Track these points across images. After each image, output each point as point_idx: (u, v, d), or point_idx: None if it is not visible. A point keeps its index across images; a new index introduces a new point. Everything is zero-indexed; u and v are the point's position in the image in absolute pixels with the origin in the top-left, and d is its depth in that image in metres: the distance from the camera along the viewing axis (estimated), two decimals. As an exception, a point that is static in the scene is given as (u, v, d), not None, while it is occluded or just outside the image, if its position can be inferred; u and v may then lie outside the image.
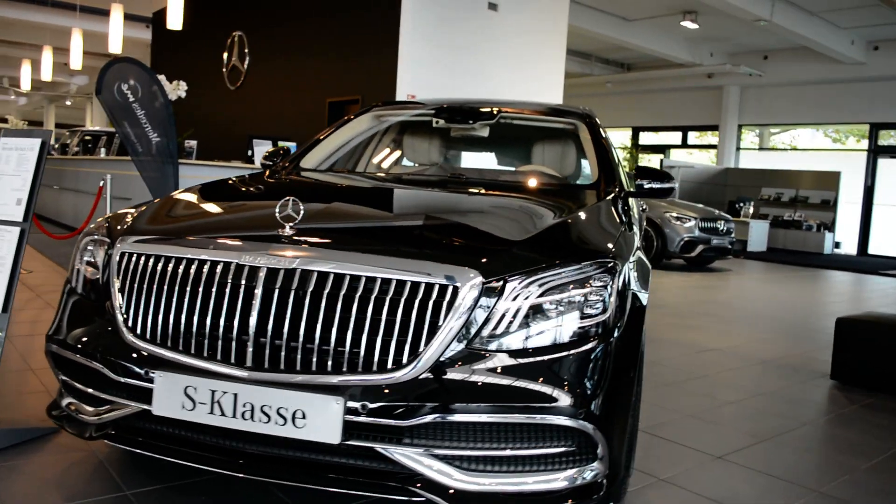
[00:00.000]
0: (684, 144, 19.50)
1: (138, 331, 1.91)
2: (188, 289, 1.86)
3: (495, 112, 3.60)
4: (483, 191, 2.71)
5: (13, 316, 4.10)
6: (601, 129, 3.45)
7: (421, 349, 1.71)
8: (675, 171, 15.68)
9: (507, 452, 1.75)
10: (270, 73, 11.76)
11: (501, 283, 1.78)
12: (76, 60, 11.03)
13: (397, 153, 3.73)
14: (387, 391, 1.70)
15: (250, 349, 1.77)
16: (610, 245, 2.05)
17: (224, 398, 1.75)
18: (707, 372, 4.19)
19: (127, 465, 2.34)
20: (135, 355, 1.89)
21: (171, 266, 1.91)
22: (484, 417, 1.70)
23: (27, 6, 15.38)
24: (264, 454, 1.81)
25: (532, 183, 3.10)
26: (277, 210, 1.92)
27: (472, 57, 9.43)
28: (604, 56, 18.51)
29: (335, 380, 1.71)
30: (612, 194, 2.89)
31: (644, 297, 2.16)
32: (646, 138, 20.27)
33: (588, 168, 3.34)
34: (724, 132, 17.68)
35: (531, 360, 1.76)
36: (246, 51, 12.52)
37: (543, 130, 3.79)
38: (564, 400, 1.74)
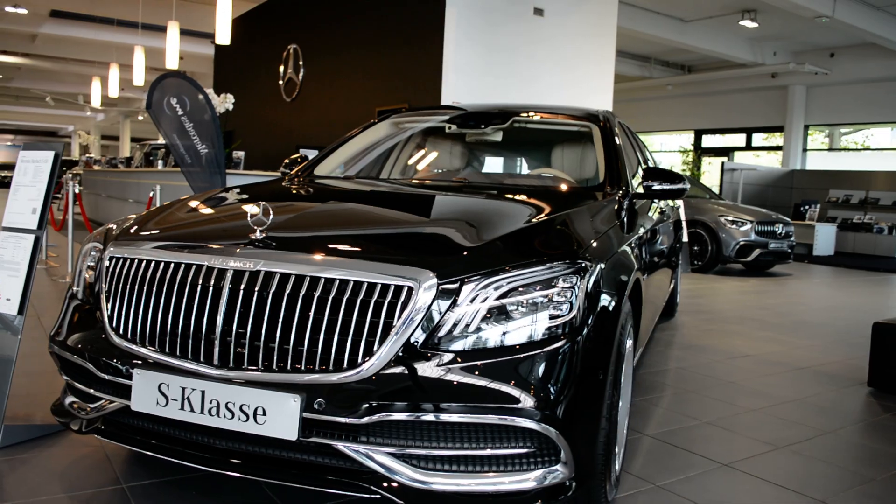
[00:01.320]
0: (748, 146, 18.94)
1: (121, 331, 2.01)
2: (164, 290, 1.95)
3: (508, 117, 3.60)
4: (472, 195, 2.73)
5: (39, 319, 4.32)
6: (614, 131, 3.41)
7: (375, 349, 1.74)
8: (737, 174, 15.24)
9: (462, 452, 1.76)
10: (323, 84, 12.02)
11: (458, 284, 1.79)
12: (139, 77, 11.54)
13: (409, 159, 3.78)
14: (342, 389, 1.73)
15: (217, 348, 1.84)
16: (582, 246, 2.04)
17: (193, 395, 1.83)
18: (735, 378, 4.07)
19: (129, 461, 2.45)
20: (118, 354, 1.99)
21: (150, 269, 2.00)
22: (437, 417, 1.72)
23: (95, 25, 16.21)
24: (231, 449, 1.87)
25: (534, 186, 3.10)
26: (249, 215, 1.99)
27: (517, 62, 9.42)
28: (663, 58, 18.20)
29: (293, 378, 1.76)
30: (615, 196, 2.86)
31: (621, 300, 2.13)
32: (709, 141, 19.78)
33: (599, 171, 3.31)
34: (789, 133, 17.09)
35: (488, 361, 1.77)
36: (301, 63, 12.83)
37: (557, 134, 3.78)
38: (521, 401, 1.74)
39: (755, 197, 14.96)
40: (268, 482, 2.24)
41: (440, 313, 1.77)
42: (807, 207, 13.89)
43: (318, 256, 1.85)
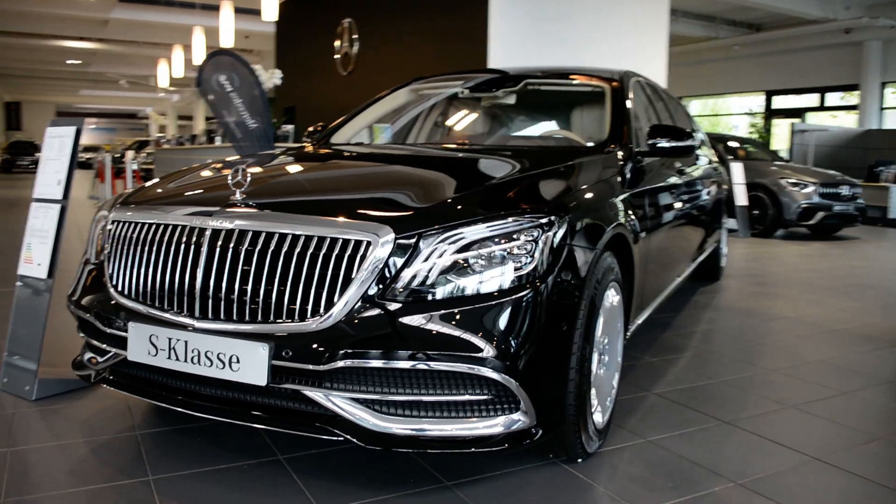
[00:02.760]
0: (822, 107, 18.09)
1: (119, 287, 2.17)
2: (154, 249, 2.09)
3: (523, 80, 3.61)
4: (461, 155, 2.78)
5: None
6: (625, 91, 3.37)
7: (336, 300, 1.83)
8: (808, 135, 14.60)
9: (421, 398, 1.84)
10: (377, 57, 12.12)
11: (415, 238, 1.86)
12: (199, 57, 11.91)
13: (425, 124, 3.84)
14: (306, 338, 1.84)
15: (198, 301, 1.97)
16: (548, 201, 2.07)
17: (178, 345, 1.97)
18: (764, 340, 4.01)
19: (147, 411, 2.64)
20: (117, 309, 2.15)
21: (143, 230, 2.15)
22: (394, 364, 1.80)
23: (160, 8, 16.76)
24: (212, 395, 2.02)
25: (533, 146, 3.12)
26: (230, 178, 2.11)
27: (565, 29, 9.27)
28: (730, 17, 17.47)
29: (262, 328, 1.88)
30: (614, 154, 2.86)
31: (597, 254, 2.15)
32: (780, 102, 18.98)
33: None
34: (865, 91, 16.22)
35: (445, 311, 1.83)
36: (355, 36, 12.94)
37: (571, 95, 3.77)
38: (478, 350, 1.81)
39: (827, 159, 14.31)
40: (267, 429, 2.39)
41: (398, 266, 1.85)
42: (882, 168, 13.22)
43: (287, 215, 1.96)
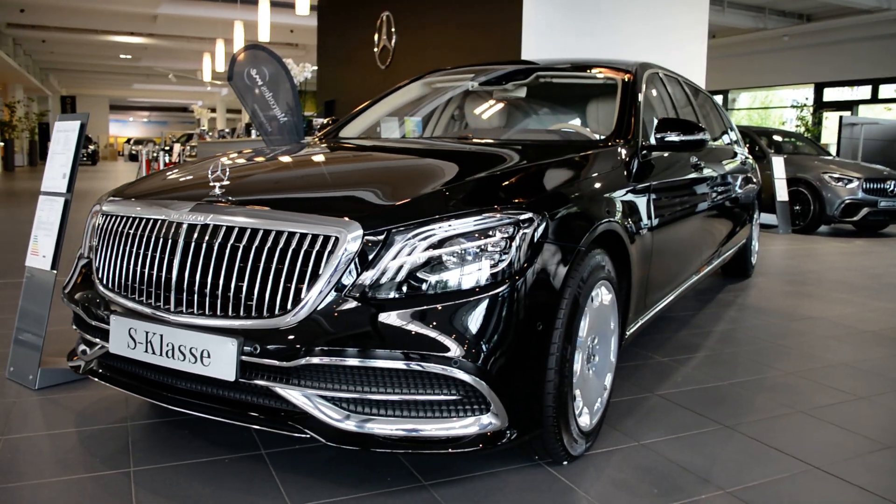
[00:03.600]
0: (875, 99, 17.43)
1: (104, 281, 2.19)
2: (135, 243, 2.11)
3: (531, 73, 3.55)
4: (451, 149, 2.75)
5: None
6: (636, 84, 3.28)
7: (303, 296, 1.82)
8: (857, 128, 14.10)
9: (387, 397, 1.81)
10: (414, 51, 12.10)
11: (384, 235, 1.83)
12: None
13: (435, 118, 3.81)
14: (273, 334, 1.83)
15: (173, 295, 1.98)
16: (527, 197, 2.02)
17: (154, 338, 1.98)
18: (785, 341, 3.87)
19: (142, 403, 2.67)
20: (102, 302, 2.18)
21: (126, 224, 2.17)
22: (360, 362, 1.78)
23: (206, 3, 17.03)
24: (186, 389, 2.02)
25: (532, 140, 3.06)
26: (209, 172, 2.11)
27: (601, 20, 9.10)
28: (779, 7, 16.98)
29: (231, 323, 1.87)
30: (618, 149, 2.78)
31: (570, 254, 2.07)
32: (831, 94, 18.36)
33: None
34: (921, 82, 15.58)
35: (413, 309, 1.80)
36: (392, 30, 12.95)
37: (583, 88, 3.68)
38: (445, 349, 1.77)
39: (878, 153, 13.80)
40: (240, 425, 2.39)
41: (367, 263, 1.82)
42: (936, 163, 12.67)
43: (257, 210, 1.94)
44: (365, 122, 3.76)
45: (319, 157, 2.79)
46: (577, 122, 3.53)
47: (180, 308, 1.97)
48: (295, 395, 1.84)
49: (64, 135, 2.93)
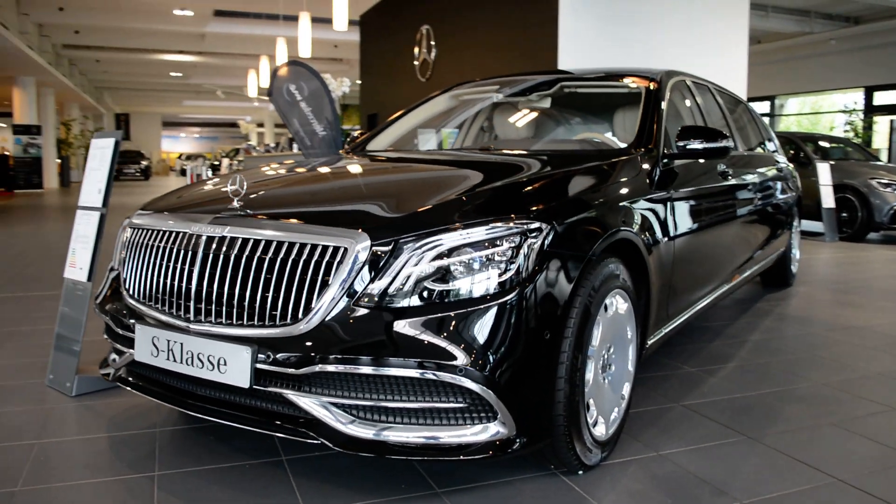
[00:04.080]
0: (929, 102, 16.87)
1: (131, 291, 2.28)
2: (159, 254, 2.19)
3: (557, 83, 3.56)
4: (467, 160, 2.78)
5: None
6: (660, 93, 3.26)
7: (313, 305, 1.87)
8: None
9: (395, 405, 1.84)
10: (453, 63, 12.20)
11: (392, 245, 1.87)
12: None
13: (463, 130, 3.84)
14: (285, 342, 1.88)
15: (192, 304, 2.05)
16: (536, 206, 2.03)
17: (175, 346, 2.05)
18: (820, 351, 3.78)
19: (172, 410, 2.75)
20: (129, 312, 2.27)
21: (152, 236, 2.25)
22: (368, 370, 1.82)
23: (250, 21, 17.46)
24: (206, 395, 2.09)
25: (551, 150, 3.08)
26: (229, 186, 2.18)
27: (639, 27, 9.04)
28: (825, 11, 16.60)
29: (246, 332, 1.93)
30: (637, 157, 2.78)
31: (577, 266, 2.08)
32: (882, 98, 17.82)
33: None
34: (979, 84, 15.03)
35: (420, 318, 1.83)
36: (432, 43, 13.08)
37: (608, 97, 3.68)
38: (452, 358, 1.80)
39: (932, 158, 13.35)
40: (255, 430, 2.45)
41: (376, 272, 1.86)
42: None
43: (270, 222, 2.00)
44: (392, 135, 3.82)
45: (337, 170, 2.85)
46: (601, 131, 3.53)
47: (199, 317, 2.04)
48: (306, 402, 1.89)
49: (100, 151, 3.05)
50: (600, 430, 2.26)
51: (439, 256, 1.87)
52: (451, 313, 1.84)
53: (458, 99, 4.06)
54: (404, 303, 1.85)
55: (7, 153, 20.15)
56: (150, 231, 2.28)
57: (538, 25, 9.24)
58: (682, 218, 2.91)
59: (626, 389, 2.46)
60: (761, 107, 20.75)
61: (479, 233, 1.90)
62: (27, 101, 19.63)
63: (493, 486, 2.14)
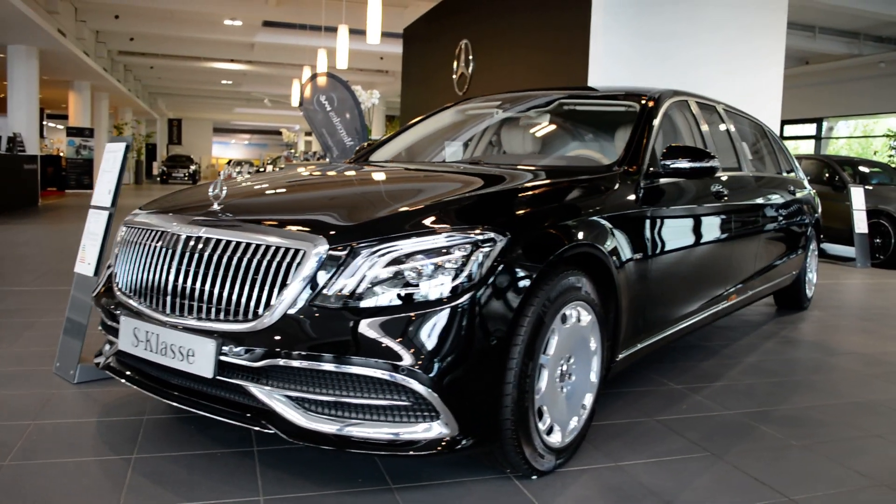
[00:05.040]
0: (981, 128, 16.37)
1: (120, 285, 2.45)
2: (144, 251, 2.35)
3: (552, 100, 3.65)
4: (446, 172, 2.90)
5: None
6: (651, 111, 3.33)
7: (272, 303, 1.99)
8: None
9: (344, 399, 1.95)
10: (489, 77, 12.31)
11: (348, 249, 1.99)
12: (321, 77, 12.64)
13: (461, 143, 3.96)
14: (245, 336, 2.01)
15: (169, 298, 2.20)
16: (491, 217, 2.13)
17: (152, 337, 2.20)
18: (813, 375, 3.76)
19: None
20: (117, 304, 2.43)
21: (141, 234, 2.41)
22: (319, 365, 1.93)
23: (296, 32, 17.92)
24: (179, 384, 2.24)
25: (537, 164, 3.17)
26: (210, 190, 2.33)
27: (672, 46, 9.03)
28: (875, 33, 16.29)
29: (212, 326, 2.07)
30: (616, 174, 2.85)
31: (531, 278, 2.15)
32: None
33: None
34: None
35: (369, 319, 1.94)
36: (470, 57, 13.23)
37: (604, 115, 3.75)
38: (397, 358, 1.90)
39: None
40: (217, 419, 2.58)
41: (331, 275, 1.98)
42: None
43: (241, 225, 2.14)
44: (398, 146, 3.95)
45: (319, 178, 2.98)
46: (596, 148, 3.60)
47: (174, 311, 2.18)
48: (263, 394, 2.02)
49: (112, 155, 3.25)
50: (556, 438, 2.33)
51: (392, 262, 1.98)
52: (400, 316, 1.94)
53: (464, 114, 4.17)
54: (356, 304, 1.97)
55: (61, 154, 20.95)
56: (139, 229, 2.44)
57: (570, 43, 9.31)
58: (662, 236, 2.97)
59: (589, 400, 2.53)
60: (807, 129, 20.39)
61: (431, 241, 2.01)
62: (82, 105, 20.42)
63: (445, 485, 2.24)
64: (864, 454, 2.70)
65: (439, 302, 1.96)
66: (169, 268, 2.22)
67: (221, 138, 59.62)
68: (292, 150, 18.88)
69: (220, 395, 2.14)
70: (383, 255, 1.98)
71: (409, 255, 1.99)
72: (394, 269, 1.98)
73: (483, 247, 2.03)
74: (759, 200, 4.26)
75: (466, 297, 1.98)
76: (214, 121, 49.54)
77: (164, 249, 2.27)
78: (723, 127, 4.26)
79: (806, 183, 5.77)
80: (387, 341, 1.92)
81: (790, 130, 20.78)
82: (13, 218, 11.03)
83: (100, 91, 22.50)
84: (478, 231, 2.05)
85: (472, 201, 2.29)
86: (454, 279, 1.98)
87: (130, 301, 2.35)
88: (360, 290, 1.97)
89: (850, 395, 3.45)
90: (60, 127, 27.49)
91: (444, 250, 2.00)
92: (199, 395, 2.19)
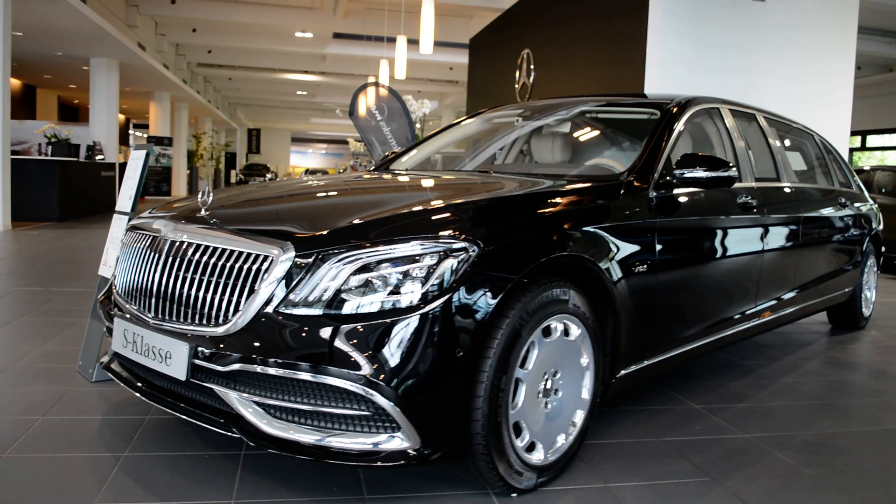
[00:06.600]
0: None
1: (118, 288, 2.52)
2: (138, 254, 2.42)
3: (578, 108, 3.58)
4: (436, 181, 2.88)
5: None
6: (672, 120, 3.22)
7: (241, 308, 2.01)
8: None
9: (304, 407, 1.95)
10: (550, 86, 12.22)
11: (314, 257, 1.99)
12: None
13: (480, 151, 3.92)
14: (215, 341, 2.03)
15: (153, 301, 2.25)
16: (464, 227, 2.09)
17: (138, 339, 2.26)
18: (846, 399, 3.54)
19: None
20: (115, 306, 2.51)
21: (136, 238, 2.49)
22: (282, 372, 1.93)
23: (362, 42, 18.24)
24: (159, 385, 2.29)
25: (544, 173, 3.11)
26: (198, 198, 2.38)
27: (732, 55, 8.73)
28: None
29: (186, 329, 2.11)
30: (622, 184, 2.76)
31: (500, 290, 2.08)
32: None
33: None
34: None
35: (333, 326, 1.92)
36: (531, 67, 13.17)
37: (627, 123, 3.65)
38: (358, 369, 1.88)
39: None
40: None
41: (297, 281, 1.98)
42: None
43: (217, 230, 2.18)
44: (420, 154, 3.95)
45: (310, 187, 3.00)
46: (614, 156, 3.50)
47: (158, 313, 2.23)
48: (230, 397, 2.04)
49: (135, 162, 3.37)
50: (537, 455, 2.27)
51: (359, 270, 1.97)
52: (363, 325, 1.93)
53: (489, 122, 4.14)
54: (320, 312, 1.96)
55: (143, 162, 21.93)
56: (137, 233, 2.52)
57: (628, 52, 9.14)
58: (674, 248, 2.85)
59: (579, 417, 2.45)
60: (892, 139, 19.36)
61: (399, 249, 1.98)
62: (161, 115, 21.33)
63: (419, 499, 2.20)
64: (883, 487, 2.51)
65: (404, 311, 1.94)
66: (155, 271, 2.27)
67: (299, 148, 61.14)
68: (358, 160, 19.15)
69: (195, 397, 2.18)
70: (350, 262, 1.97)
71: (377, 264, 1.97)
72: (360, 277, 1.97)
73: (453, 256, 2.00)
74: (799, 213, 4.05)
75: (432, 307, 1.94)
76: (292, 130, 50.93)
77: (152, 253, 2.33)
78: (761, 136, 4.08)
79: (867, 195, 5.46)
80: (349, 350, 1.91)
81: (874, 141, 19.79)
82: (88, 223, 11.61)
83: (179, 101, 23.47)
84: (448, 240, 2.02)
85: (448, 210, 2.25)
86: (421, 288, 1.95)
87: (123, 302, 2.43)
88: (325, 298, 1.97)
89: (886, 423, 3.23)
90: (141, 135, 28.78)
91: (412, 259, 1.98)
92: (177, 398, 2.23)
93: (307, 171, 51.49)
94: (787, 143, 4.53)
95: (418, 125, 10.50)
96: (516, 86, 13.74)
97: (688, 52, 8.71)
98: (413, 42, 11.83)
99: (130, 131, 29.57)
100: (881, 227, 5.59)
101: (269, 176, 36.24)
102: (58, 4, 10.92)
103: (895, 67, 17.17)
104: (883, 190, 10.08)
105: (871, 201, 5.52)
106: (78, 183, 12.41)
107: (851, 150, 19.71)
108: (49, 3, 10.85)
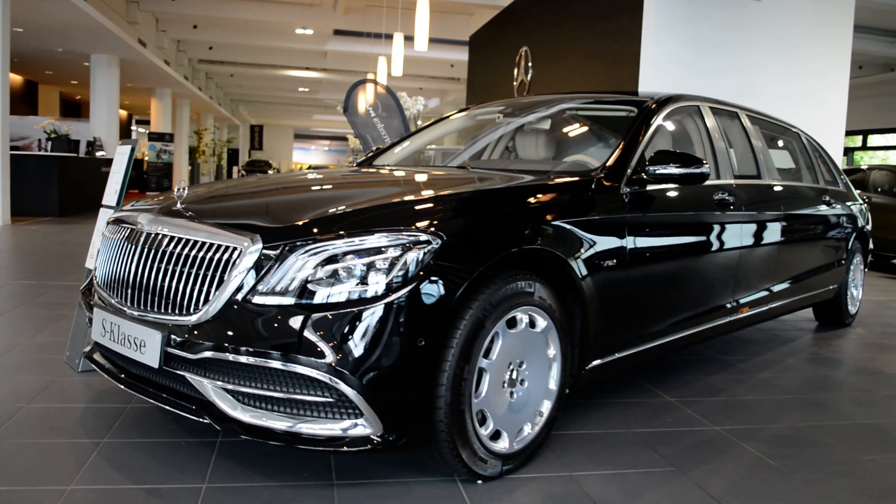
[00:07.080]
0: None
1: (98, 279, 2.59)
2: (116, 246, 2.48)
3: (559, 105, 3.64)
4: (405, 175, 2.95)
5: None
6: (649, 117, 3.27)
7: (210, 298, 2.08)
8: None
9: (272, 394, 2.01)
10: (547, 84, 12.26)
11: (281, 249, 2.05)
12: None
13: (463, 147, 3.98)
14: (185, 329, 2.10)
15: (129, 291, 2.32)
16: (427, 219, 2.14)
17: (115, 328, 2.33)
18: (823, 395, 3.59)
19: (152, 389, 3.06)
20: (95, 297, 2.57)
21: (116, 230, 2.55)
22: (248, 360, 2.00)
23: (363, 39, 18.30)
24: (135, 373, 2.35)
25: (517, 168, 3.18)
26: (175, 190, 2.44)
27: (727, 54, 8.77)
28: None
29: (159, 318, 2.17)
30: (592, 180, 2.81)
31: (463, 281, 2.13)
32: None
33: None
34: None
35: (298, 316, 1.99)
36: (530, 65, 13.20)
37: (605, 120, 3.70)
38: (318, 354, 1.95)
39: None
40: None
41: (264, 272, 2.05)
42: None
43: (189, 222, 2.24)
44: (404, 150, 4.01)
45: (284, 182, 3.06)
46: (592, 152, 3.55)
47: (134, 303, 2.30)
48: (200, 384, 2.10)
49: (120, 157, 3.43)
50: (503, 444, 2.33)
51: (325, 262, 2.03)
52: (329, 314, 1.99)
53: (473, 119, 4.19)
54: (286, 301, 2.02)
55: (144, 157, 22.04)
56: (117, 226, 2.58)
57: (622, 50, 9.18)
58: (645, 243, 2.90)
59: (546, 406, 2.50)
60: (892, 139, 19.35)
61: (364, 242, 2.04)
62: (163, 111, 21.42)
63: (387, 485, 2.26)
64: (846, 478, 2.57)
65: (368, 301, 2.00)
66: (131, 262, 2.34)
67: (302, 144, 61.17)
68: (357, 157, 19.23)
69: (169, 385, 2.24)
70: (315, 254, 2.03)
71: (343, 255, 2.03)
72: (327, 268, 2.03)
73: (416, 248, 2.05)
74: (780, 210, 4.10)
75: (395, 297, 2.00)
76: (295, 127, 50.97)
77: (129, 245, 2.39)
78: (743, 134, 4.13)
79: (854, 194, 5.51)
80: (314, 338, 1.97)
81: (875, 140, 19.78)
82: (86, 218, 11.69)
83: (181, 97, 23.55)
84: (412, 232, 2.07)
85: (415, 203, 2.31)
86: (385, 279, 2.01)
87: (102, 293, 2.49)
88: (291, 288, 2.03)
89: (858, 417, 3.28)
90: (146, 132, 28.91)
91: (377, 250, 2.04)
92: (153, 385, 2.29)
93: (309, 168, 51.61)
94: (771, 141, 4.57)
95: (419, 122, 10.58)
96: (515, 83, 13.77)
97: (682, 50, 8.74)
98: (411, 39, 11.89)
99: (133, 127, 29.68)
100: (869, 225, 5.64)
101: (270, 172, 36.30)
102: (58, 1, 11.00)
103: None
104: (879, 189, 10.11)
105: (859, 200, 5.57)
106: (77, 178, 12.49)
107: (851, 150, 19.71)
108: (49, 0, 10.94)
